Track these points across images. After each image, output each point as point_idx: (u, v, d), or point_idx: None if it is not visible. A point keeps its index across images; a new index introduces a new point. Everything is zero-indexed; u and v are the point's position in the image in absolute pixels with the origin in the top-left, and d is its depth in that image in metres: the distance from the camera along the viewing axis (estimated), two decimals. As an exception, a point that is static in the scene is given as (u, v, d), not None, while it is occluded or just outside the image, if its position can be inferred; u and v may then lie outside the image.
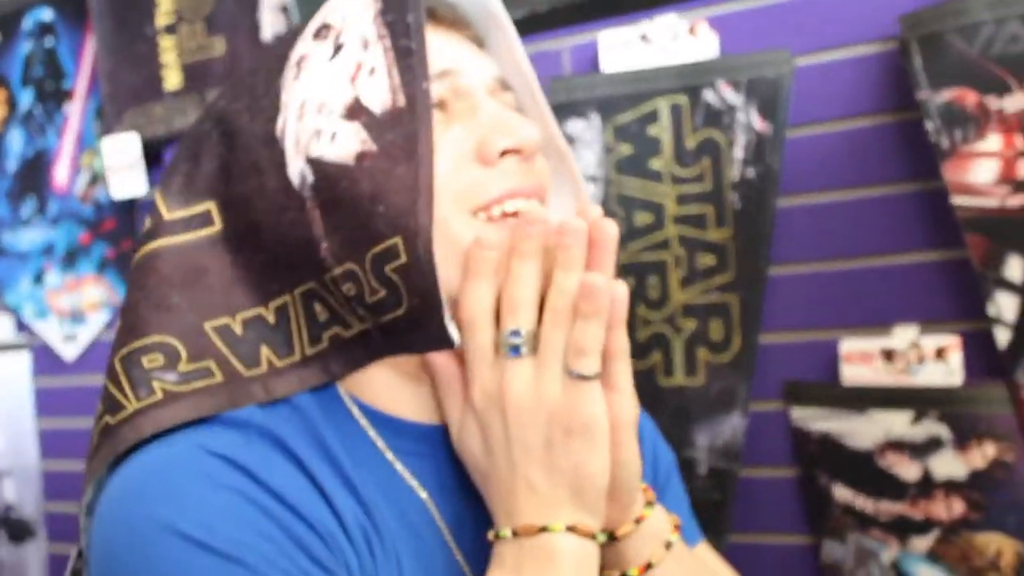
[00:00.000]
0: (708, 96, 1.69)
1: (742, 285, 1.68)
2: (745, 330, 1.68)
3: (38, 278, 2.49)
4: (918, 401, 1.54)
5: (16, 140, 2.54)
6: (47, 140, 2.49)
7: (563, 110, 1.80)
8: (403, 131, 0.79)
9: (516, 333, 0.79)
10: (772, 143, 1.65)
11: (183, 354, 0.84)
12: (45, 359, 2.53)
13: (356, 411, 0.88)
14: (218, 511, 0.73)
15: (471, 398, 0.82)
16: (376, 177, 0.79)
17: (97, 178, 2.39)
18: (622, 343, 0.83)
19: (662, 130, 1.73)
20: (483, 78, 0.89)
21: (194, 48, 2.20)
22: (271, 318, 0.86)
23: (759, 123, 1.66)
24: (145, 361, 0.84)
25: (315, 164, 0.81)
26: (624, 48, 1.77)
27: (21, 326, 2.55)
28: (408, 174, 0.78)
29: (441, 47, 0.87)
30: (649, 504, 0.90)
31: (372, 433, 0.88)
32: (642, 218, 1.75)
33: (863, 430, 1.58)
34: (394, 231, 0.78)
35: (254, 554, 0.72)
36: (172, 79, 2.24)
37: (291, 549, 0.74)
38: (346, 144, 0.80)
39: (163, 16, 2.23)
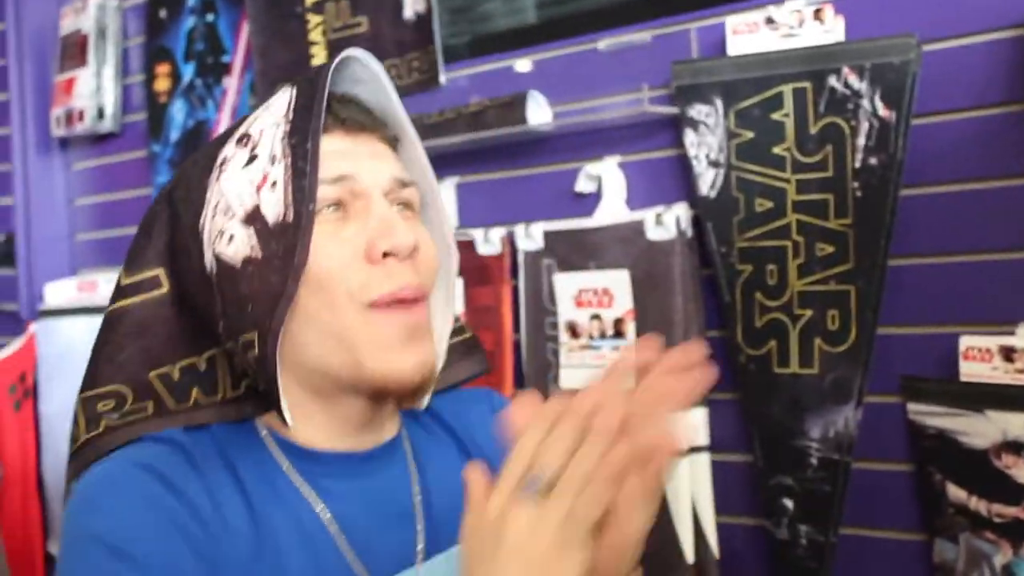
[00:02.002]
0: (832, 82, 1.66)
1: (861, 275, 1.65)
2: (862, 321, 1.65)
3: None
4: (1036, 402, 1.49)
5: (179, 111, 2.66)
6: (207, 112, 2.61)
7: (686, 94, 1.79)
8: (286, 243, 0.95)
9: (536, 480, 0.79)
10: (896, 131, 1.61)
11: (129, 398, 1.04)
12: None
13: (268, 439, 1.04)
14: (127, 518, 0.92)
15: (486, 507, 0.81)
16: (253, 281, 0.96)
17: (250, 150, 2.49)
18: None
19: (785, 116, 1.71)
20: (379, 181, 1.01)
21: (339, 26, 2.27)
22: (203, 366, 1.05)
23: (883, 110, 1.62)
24: (99, 405, 1.05)
25: (217, 259, 0.99)
26: (750, 31, 1.75)
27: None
28: (279, 283, 0.94)
29: (345, 154, 1.00)
30: None
31: (280, 458, 1.03)
32: (762, 204, 1.73)
33: (980, 429, 1.54)
34: (254, 327, 0.96)
35: (144, 551, 0.90)
36: (319, 56, 2.31)
37: (178, 545, 0.91)
38: (239, 248, 0.97)
39: (311, -5, 2.31)
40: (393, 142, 1.08)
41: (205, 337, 1.04)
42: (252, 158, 0.99)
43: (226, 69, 2.57)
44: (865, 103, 1.63)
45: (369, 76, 1.06)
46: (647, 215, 1.85)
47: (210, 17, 2.60)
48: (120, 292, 1.07)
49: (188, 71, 2.65)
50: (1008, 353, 1.52)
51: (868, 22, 1.66)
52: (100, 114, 2.80)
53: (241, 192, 0.98)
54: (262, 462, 1.02)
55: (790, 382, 1.72)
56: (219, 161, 1.02)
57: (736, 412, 1.81)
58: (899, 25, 1.62)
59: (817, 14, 1.68)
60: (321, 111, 0.97)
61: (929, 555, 1.63)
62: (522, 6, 2.18)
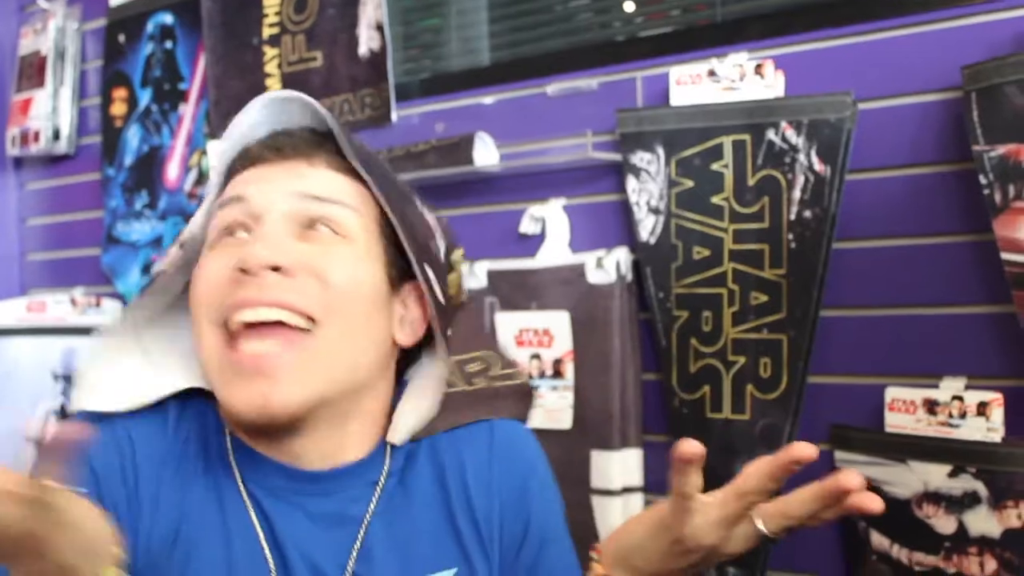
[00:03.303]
0: (771, 135, 1.70)
1: (793, 324, 1.69)
2: (793, 369, 1.69)
3: (145, 269, 2.62)
4: (957, 455, 1.52)
5: (134, 136, 2.67)
6: (162, 138, 2.62)
7: (630, 141, 1.83)
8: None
9: None
10: (830, 186, 1.65)
11: None
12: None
13: (227, 436, 1.03)
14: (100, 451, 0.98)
15: None
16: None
17: (203, 177, 2.51)
18: None
19: (725, 167, 1.75)
20: (274, 200, 0.99)
21: (295, 59, 2.30)
22: None
23: (819, 165, 1.66)
24: None
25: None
26: (693, 83, 1.79)
27: (130, 313, 2.68)
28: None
29: (248, 180, 1.02)
30: None
31: (231, 456, 1.02)
32: (700, 252, 1.77)
33: (903, 479, 1.58)
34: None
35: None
36: (274, 87, 2.34)
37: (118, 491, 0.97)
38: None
39: (268, 28, 2.33)
40: (334, 165, 1.03)
41: None
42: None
43: (182, 96, 2.58)
44: (801, 157, 1.68)
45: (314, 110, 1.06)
46: (588, 258, 1.89)
47: (169, 44, 2.61)
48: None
49: (145, 97, 2.66)
50: (931, 406, 1.56)
51: (807, 79, 1.70)
52: (55, 135, 2.81)
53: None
54: (216, 459, 1.02)
55: (722, 427, 1.76)
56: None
57: (670, 455, 1.83)
58: (837, 83, 1.67)
59: (758, 69, 1.73)
60: (226, 150, 1.06)
61: (852, 601, 1.67)
62: (476, 48, 2.22)
